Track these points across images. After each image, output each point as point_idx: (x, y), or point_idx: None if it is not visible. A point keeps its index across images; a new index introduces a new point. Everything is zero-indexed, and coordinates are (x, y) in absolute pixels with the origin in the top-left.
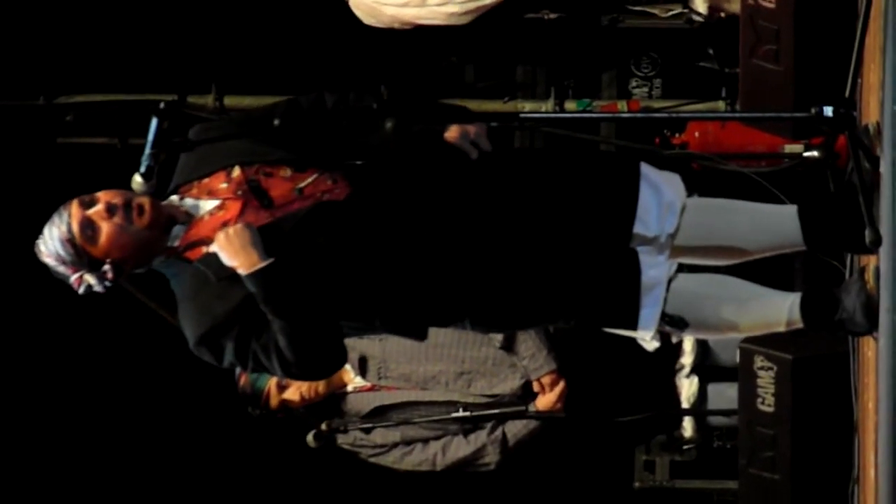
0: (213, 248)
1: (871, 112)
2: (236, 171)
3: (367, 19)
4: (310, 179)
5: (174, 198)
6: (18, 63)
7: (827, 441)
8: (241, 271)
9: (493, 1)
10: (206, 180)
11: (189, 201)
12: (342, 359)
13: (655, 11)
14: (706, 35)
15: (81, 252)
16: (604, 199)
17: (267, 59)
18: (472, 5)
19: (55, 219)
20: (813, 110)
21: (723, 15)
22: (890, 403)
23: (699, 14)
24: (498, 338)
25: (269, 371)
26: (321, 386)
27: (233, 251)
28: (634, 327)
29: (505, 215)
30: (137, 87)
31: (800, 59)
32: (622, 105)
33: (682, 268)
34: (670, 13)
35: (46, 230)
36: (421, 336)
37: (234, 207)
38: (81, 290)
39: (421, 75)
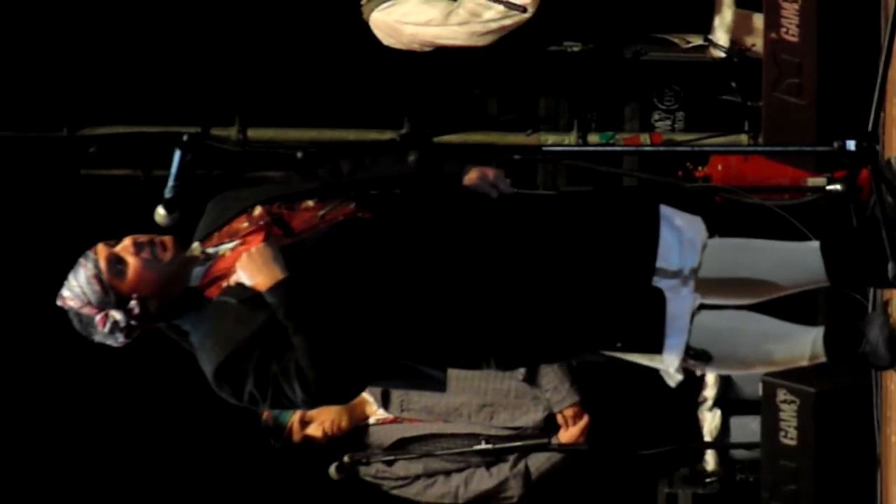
0: (236, 268)
1: (893, 146)
2: (257, 210)
3: (386, 39)
4: (331, 206)
5: (195, 245)
6: (42, 95)
7: (850, 474)
8: (263, 287)
9: (514, 22)
10: (226, 227)
11: (210, 250)
12: (362, 381)
13: (675, 41)
14: (729, 69)
15: (108, 288)
16: (626, 239)
17: (290, 92)
18: (494, 25)
19: (80, 261)
20: (836, 144)
21: (744, 48)
22: None
23: (720, 47)
24: (520, 370)
25: (289, 398)
26: (344, 421)
27: (255, 268)
28: (660, 350)
29: (527, 254)
30: (161, 119)
31: (822, 92)
32: (645, 138)
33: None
34: (690, 44)
35: (71, 275)
36: (441, 387)
37: (256, 239)
38: (107, 328)
39: (444, 108)
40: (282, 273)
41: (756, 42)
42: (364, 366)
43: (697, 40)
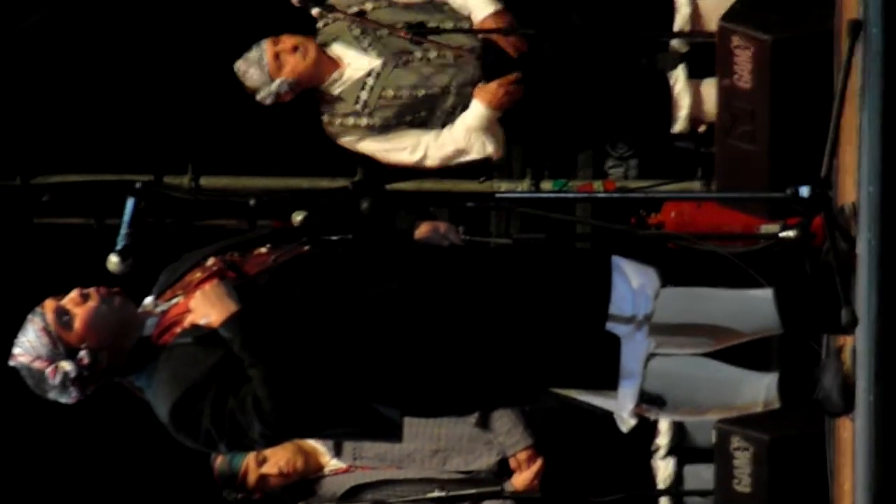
0: (190, 307)
1: (847, 193)
2: (210, 260)
3: None
4: (284, 250)
5: (148, 300)
6: None
7: None
8: (218, 322)
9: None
10: (178, 283)
11: (163, 305)
12: (319, 414)
13: None
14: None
15: (56, 340)
16: (579, 287)
17: (243, 140)
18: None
19: (29, 317)
20: (789, 191)
21: (702, 129)
22: (866, 484)
23: (683, 139)
24: (473, 414)
25: (246, 434)
26: (300, 461)
27: (209, 304)
28: (615, 386)
29: (481, 300)
30: (114, 168)
31: (776, 139)
32: (598, 185)
33: None
34: None
35: (21, 332)
36: (396, 435)
37: (209, 284)
38: (57, 380)
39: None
40: (235, 306)
41: (710, 111)
42: (320, 397)
43: None
